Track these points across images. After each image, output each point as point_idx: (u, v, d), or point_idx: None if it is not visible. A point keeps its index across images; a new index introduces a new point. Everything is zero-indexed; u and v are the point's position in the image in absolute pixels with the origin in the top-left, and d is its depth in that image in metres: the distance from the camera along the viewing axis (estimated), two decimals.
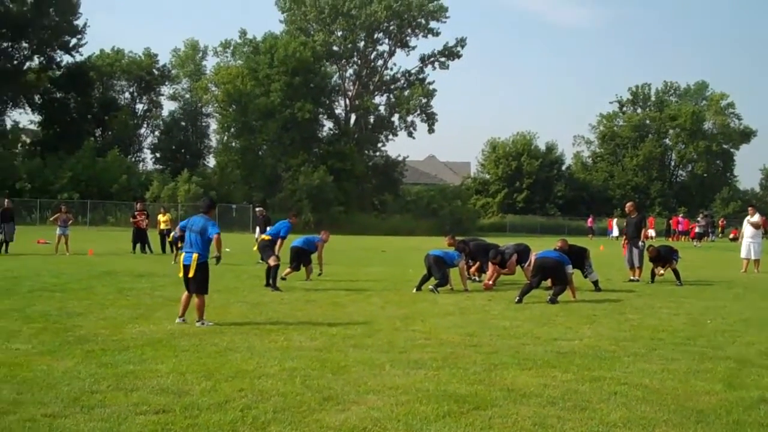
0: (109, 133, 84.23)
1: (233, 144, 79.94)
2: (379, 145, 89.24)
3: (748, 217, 28.03)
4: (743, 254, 27.84)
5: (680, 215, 72.06)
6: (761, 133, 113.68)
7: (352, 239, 54.65)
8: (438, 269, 19.24)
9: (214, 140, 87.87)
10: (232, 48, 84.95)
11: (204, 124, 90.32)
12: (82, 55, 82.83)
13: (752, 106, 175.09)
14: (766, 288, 21.65)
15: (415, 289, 19.06)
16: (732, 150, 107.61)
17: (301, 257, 21.64)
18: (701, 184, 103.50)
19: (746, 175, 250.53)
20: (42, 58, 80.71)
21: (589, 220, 74.87)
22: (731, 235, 65.43)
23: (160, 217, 33.71)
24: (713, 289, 21.18)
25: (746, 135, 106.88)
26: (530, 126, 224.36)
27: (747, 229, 27.89)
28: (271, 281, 19.08)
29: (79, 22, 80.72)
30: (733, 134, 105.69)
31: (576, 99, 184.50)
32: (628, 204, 25.51)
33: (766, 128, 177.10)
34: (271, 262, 19.29)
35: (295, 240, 21.94)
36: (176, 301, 13.49)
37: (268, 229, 27.43)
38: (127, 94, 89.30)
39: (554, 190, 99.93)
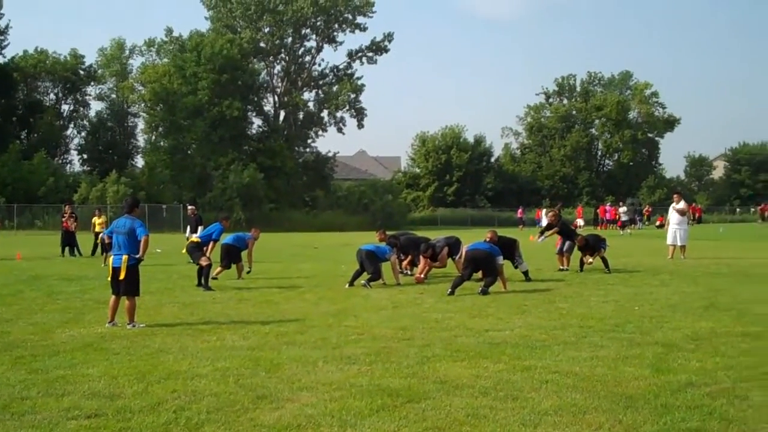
0: (35, 135, 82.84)
1: (161, 143, 79.26)
2: (309, 141, 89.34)
3: (674, 204, 28.50)
4: (669, 241, 28.30)
5: (607, 204, 73.08)
6: (685, 121, 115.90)
7: (283, 236, 54.55)
8: (370, 264, 19.28)
9: (141, 140, 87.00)
10: (157, 46, 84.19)
11: (131, 124, 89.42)
12: (4, 56, 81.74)
13: (675, 94, 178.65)
14: (691, 274, 22.06)
15: (347, 285, 19.07)
16: (657, 138, 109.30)
17: (231, 255, 21.56)
18: (627, 173, 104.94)
19: (671, 163, 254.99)
20: None
21: (519, 211, 75.52)
22: (657, 223, 66.54)
23: (95, 220, 33.22)
24: (640, 276, 21.53)
25: (670, 123, 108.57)
26: (459, 119, 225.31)
27: (673, 216, 28.36)
28: (203, 281, 18.96)
29: (1, 23, 79.64)
30: (658, 123, 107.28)
31: (503, 91, 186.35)
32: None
33: (690, 116, 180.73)
34: (203, 262, 19.17)
35: (226, 237, 21.85)
36: (107, 303, 13.33)
37: (199, 229, 27.25)
38: (52, 95, 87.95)
39: (484, 182, 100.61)
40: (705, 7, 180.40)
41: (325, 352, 10.46)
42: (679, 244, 27.94)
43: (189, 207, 36.43)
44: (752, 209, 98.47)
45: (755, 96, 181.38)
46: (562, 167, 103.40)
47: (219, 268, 21.10)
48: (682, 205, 28.37)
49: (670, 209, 28.72)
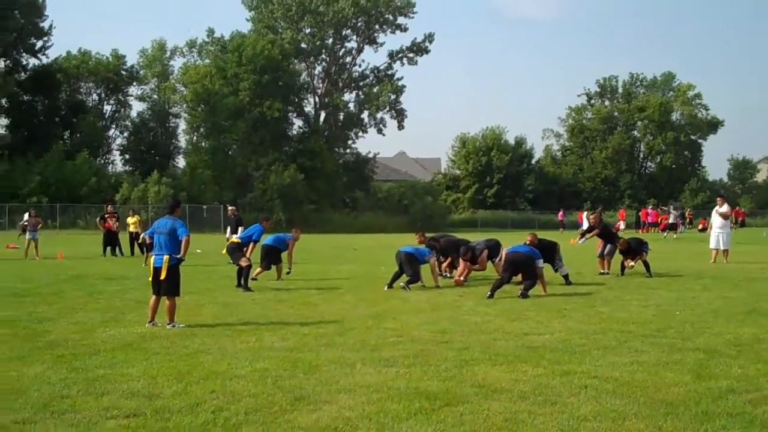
0: (78, 135, 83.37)
1: (203, 144, 79.64)
2: (349, 142, 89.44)
3: (717, 208, 28.20)
4: (712, 245, 28.02)
5: (649, 207, 72.43)
6: (728, 123, 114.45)
7: (323, 237, 54.70)
8: (410, 266, 19.26)
9: (183, 141, 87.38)
10: (198, 47, 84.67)
11: (173, 124, 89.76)
12: (48, 57, 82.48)
13: (719, 96, 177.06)
14: (734, 278, 21.82)
15: (386, 287, 19.07)
16: (700, 141, 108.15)
17: (271, 256, 21.62)
18: (670, 176, 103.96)
19: (714, 166, 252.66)
20: (7, 61, 79.97)
21: (560, 213, 75.03)
22: (700, 226, 65.80)
23: (129, 220, 33.51)
24: (682, 280, 21.32)
25: (714, 125, 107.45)
26: (499, 120, 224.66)
27: (716, 220, 28.05)
28: (242, 282, 19.04)
29: (45, 24, 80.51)
30: (701, 125, 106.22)
31: (544, 92, 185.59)
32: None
33: (733, 118, 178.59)
34: (242, 263, 19.25)
35: (266, 238, 21.93)
36: (147, 303, 13.41)
37: (240, 229, 27.36)
38: (94, 96, 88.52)
39: (524, 184, 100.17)
40: (749, 7, 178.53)
41: (363, 354, 10.47)
42: (722, 248, 27.64)
43: (229, 208, 36.57)
44: None
45: None
46: (604, 169, 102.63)
47: (259, 269, 21.17)
48: (725, 208, 28.02)
49: (713, 213, 28.40)
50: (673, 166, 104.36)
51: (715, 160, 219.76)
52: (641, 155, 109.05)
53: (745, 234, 56.44)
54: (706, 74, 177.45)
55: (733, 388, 8.57)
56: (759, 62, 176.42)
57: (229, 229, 32.34)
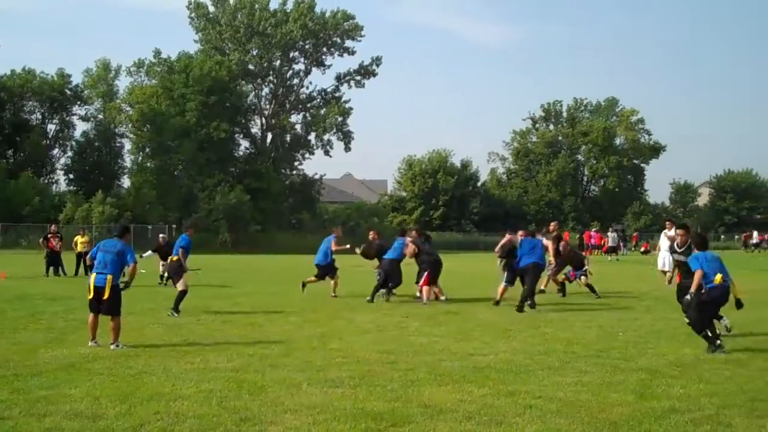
0: (21, 154, 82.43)
1: (148, 164, 79.09)
2: (296, 163, 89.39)
3: (666, 231, 28.66)
4: (660, 266, 28.41)
5: (593, 230, 73.11)
6: (670, 148, 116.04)
7: (269, 258, 54.41)
8: (396, 275, 19.72)
9: (128, 161, 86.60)
10: (145, 68, 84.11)
11: (118, 144, 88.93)
12: None
13: (661, 121, 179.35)
14: (675, 300, 22.06)
15: (368, 299, 19.63)
16: (642, 165, 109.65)
17: (328, 271, 22.62)
18: (612, 199, 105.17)
19: (656, 190, 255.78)
20: None
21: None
22: (642, 249, 66.52)
23: (78, 239, 33.20)
24: (625, 302, 21.61)
25: (656, 150, 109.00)
26: (446, 143, 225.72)
27: (663, 242, 28.47)
28: (175, 305, 18.43)
29: None
30: (644, 149, 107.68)
31: (490, 116, 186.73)
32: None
33: (675, 143, 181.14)
34: (179, 286, 18.80)
35: (316, 258, 23.11)
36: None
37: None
38: (38, 115, 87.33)
39: (470, 206, 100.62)
40: (690, 35, 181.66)
41: (309, 375, 10.45)
42: (668, 269, 28.03)
43: (161, 236, 35.98)
44: (736, 236, 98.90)
45: (740, 124, 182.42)
46: (548, 192, 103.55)
47: (312, 278, 22.70)
48: (673, 232, 28.46)
49: (662, 235, 28.78)
50: (616, 189, 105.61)
51: (657, 184, 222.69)
52: (585, 179, 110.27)
53: None
54: (648, 100, 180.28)
55: (675, 408, 8.69)
56: (701, 88, 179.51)
57: (151, 252, 31.55)
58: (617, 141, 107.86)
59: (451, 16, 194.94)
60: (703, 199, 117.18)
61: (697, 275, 12.61)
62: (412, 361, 11.59)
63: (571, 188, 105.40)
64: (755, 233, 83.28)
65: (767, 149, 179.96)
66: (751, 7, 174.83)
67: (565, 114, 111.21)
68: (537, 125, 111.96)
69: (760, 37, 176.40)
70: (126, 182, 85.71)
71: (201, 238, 70.59)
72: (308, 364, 11.36)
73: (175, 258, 20.38)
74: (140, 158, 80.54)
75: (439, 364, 11.41)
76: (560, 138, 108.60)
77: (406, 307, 19.73)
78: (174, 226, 70.11)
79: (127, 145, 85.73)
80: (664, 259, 28.16)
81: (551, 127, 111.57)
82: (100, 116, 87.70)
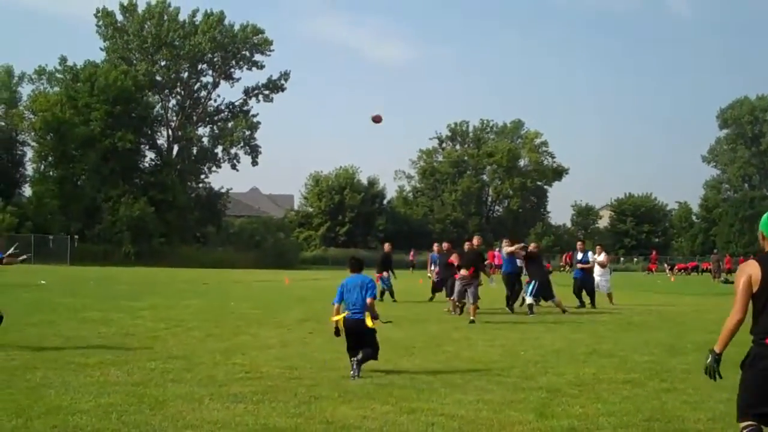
0: None
1: (51, 173, 77.60)
2: (202, 176, 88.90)
3: (596, 256, 29.27)
4: (604, 290, 29.10)
5: (496, 250, 73.82)
6: (573, 171, 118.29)
7: (173, 271, 53.82)
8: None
9: (30, 169, 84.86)
10: (48, 75, 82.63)
11: (20, 152, 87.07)
12: None
13: (564, 144, 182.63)
14: (575, 320, 22.51)
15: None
16: (545, 186, 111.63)
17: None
18: (516, 219, 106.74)
19: (559, 211, 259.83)
20: None
21: (411, 253, 75.82)
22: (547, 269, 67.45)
23: None
24: (528, 321, 21.91)
25: (559, 173, 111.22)
26: (352, 160, 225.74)
27: (596, 268, 29.10)
28: None
29: None
30: (547, 171, 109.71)
31: (397, 134, 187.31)
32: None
33: (577, 166, 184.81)
34: None
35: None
36: None
37: None
38: None
39: (376, 223, 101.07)
40: (595, 60, 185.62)
41: (211, 390, 10.36)
42: (605, 293, 28.83)
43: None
44: (635, 259, 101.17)
45: (641, 148, 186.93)
46: (453, 211, 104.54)
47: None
48: (602, 257, 29.30)
49: (592, 261, 29.26)
50: (520, 210, 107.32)
51: (560, 206, 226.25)
52: (489, 199, 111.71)
53: None
54: (552, 123, 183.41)
55: (573, 427, 8.83)
56: (602, 114, 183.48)
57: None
58: (521, 162, 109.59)
59: (356, 33, 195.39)
60: (603, 222, 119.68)
61: None
62: (315, 377, 11.57)
63: (476, 208, 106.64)
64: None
65: (666, 174, 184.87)
66: (657, 30, 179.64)
67: (471, 134, 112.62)
68: (443, 144, 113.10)
69: (663, 60, 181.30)
70: (27, 191, 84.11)
71: (104, 249, 69.78)
72: (210, 378, 11.27)
73: None
74: (42, 167, 78.96)
75: (343, 380, 11.42)
76: (466, 158, 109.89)
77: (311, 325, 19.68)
78: (77, 236, 68.98)
79: (29, 154, 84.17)
80: (598, 283, 28.84)
81: (458, 147, 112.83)
82: (2, 123, 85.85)
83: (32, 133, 79.63)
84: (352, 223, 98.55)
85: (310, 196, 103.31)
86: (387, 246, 30.78)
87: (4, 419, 8.47)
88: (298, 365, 12.72)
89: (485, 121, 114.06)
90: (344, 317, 12.10)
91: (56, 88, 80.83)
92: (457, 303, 22.60)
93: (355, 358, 11.76)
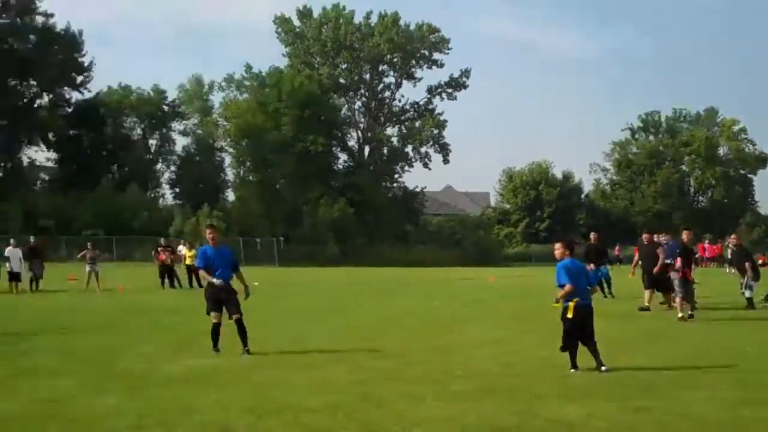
0: (126, 169, 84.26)
1: (250, 178, 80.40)
2: (396, 176, 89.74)
3: None
4: None
5: (706, 241, 71.18)
6: None
7: (376, 271, 54.38)
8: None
9: (230, 174, 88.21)
10: (236, 83, 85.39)
11: (219, 158, 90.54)
12: (90, 91, 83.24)
13: (764, 132, 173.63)
14: None
15: None
16: (750, 175, 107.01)
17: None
18: (722, 210, 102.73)
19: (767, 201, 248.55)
20: (51, 96, 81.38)
21: (616, 248, 73.62)
22: (759, 261, 64.68)
23: (186, 252, 33.99)
24: (748, 317, 20.83)
25: (762, 160, 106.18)
26: (545, 155, 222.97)
27: None
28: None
29: (85, 59, 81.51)
30: (749, 159, 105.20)
31: (588, 127, 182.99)
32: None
33: None
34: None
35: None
36: (208, 334, 13.49)
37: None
38: (138, 130, 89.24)
39: (575, 218, 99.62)
40: None
41: (430, 388, 10.36)
42: None
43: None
44: None
45: None
46: (655, 204, 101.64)
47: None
48: None
49: None
50: (725, 200, 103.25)
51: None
52: (691, 189, 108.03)
53: None
54: (749, 110, 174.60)
55: None
56: None
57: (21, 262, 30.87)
58: (720, 151, 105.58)
59: (531, 25, 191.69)
60: None
61: None
62: (535, 375, 11.44)
63: (678, 199, 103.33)
64: None
65: None
66: None
67: (664, 124, 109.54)
68: (636, 135, 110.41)
69: None
70: (231, 195, 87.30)
71: (309, 250, 71.32)
72: (427, 376, 11.30)
73: None
74: (242, 172, 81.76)
75: (563, 378, 11.19)
76: (661, 148, 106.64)
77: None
78: (282, 238, 70.81)
79: (227, 159, 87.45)
80: None
81: (651, 138, 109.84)
82: (199, 131, 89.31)
83: (228, 140, 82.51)
84: (551, 218, 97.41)
85: (506, 192, 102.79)
86: (594, 236, 29.19)
87: (237, 417, 8.74)
88: (514, 362, 12.58)
89: (677, 110, 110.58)
90: (576, 303, 11.64)
91: (245, 95, 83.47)
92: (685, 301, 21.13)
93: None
